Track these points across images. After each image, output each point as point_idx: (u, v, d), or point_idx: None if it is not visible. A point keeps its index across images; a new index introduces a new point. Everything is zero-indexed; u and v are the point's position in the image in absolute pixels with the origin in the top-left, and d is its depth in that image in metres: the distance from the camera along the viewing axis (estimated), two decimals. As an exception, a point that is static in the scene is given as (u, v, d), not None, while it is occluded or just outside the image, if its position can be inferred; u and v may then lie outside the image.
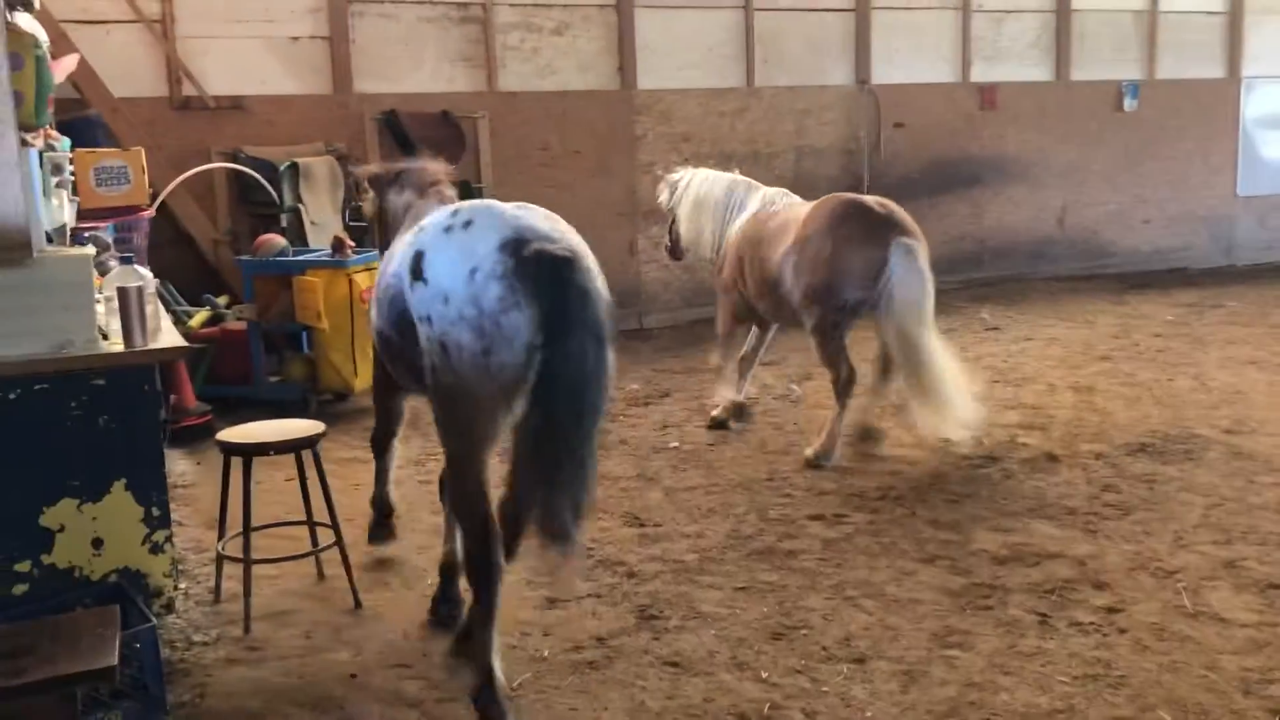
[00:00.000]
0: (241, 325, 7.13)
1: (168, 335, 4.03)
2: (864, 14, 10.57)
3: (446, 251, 3.29)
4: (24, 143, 3.71)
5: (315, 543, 4.51)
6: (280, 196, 7.75)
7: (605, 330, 3.23)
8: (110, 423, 3.62)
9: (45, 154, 4.49)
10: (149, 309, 3.81)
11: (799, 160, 10.36)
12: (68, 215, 4.96)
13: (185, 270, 7.65)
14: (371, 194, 4.53)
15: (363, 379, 6.77)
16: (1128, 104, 11.91)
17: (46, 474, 3.56)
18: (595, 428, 3.23)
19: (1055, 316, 9.84)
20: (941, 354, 5.52)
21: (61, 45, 6.90)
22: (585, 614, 4.16)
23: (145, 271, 4.12)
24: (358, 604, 4.25)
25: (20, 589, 3.55)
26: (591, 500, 3.26)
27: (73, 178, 5.41)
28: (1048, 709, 3.43)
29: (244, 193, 8.07)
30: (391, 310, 3.58)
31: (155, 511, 3.71)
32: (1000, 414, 6.72)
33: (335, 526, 4.29)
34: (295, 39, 8.45)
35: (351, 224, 7.83)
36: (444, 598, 4.14)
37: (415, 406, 4.48)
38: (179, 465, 5.94)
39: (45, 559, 3.57)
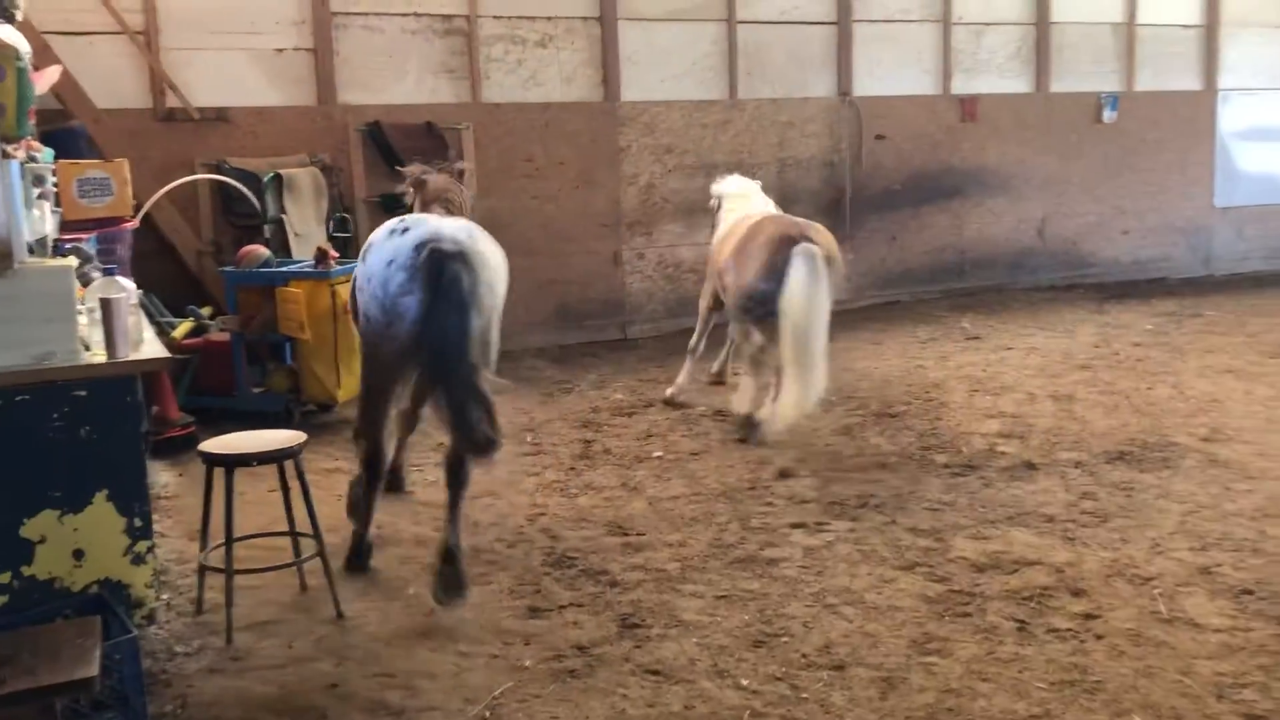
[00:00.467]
0: (225, 336, 7.12)
1: (150, 346, 4.05)
2: (846, 27, 10.64)
3: (383, 247, 4.39)
4: (4, 154, 3.72)
5: (298, 553, 4.52)
6: (264, 208, 7.75)
7: (468, 302, 4.13)
8: (92, 434, 3.63)
9: (27, 165, 4.49)
10: (131, 320, 3.83)
11: (781, 172, 10.41)
12: (50, 227, 4.95)
13: (169, 281, 7.63)
14: (411, 192, 5.48)
15: (346, 390, 6.77)
16: (1107, 115, 12.00)
17: (27, 485, 3.57)
18: (462, 374, 4.08)
19: (1035, 326, 9.91)
20: (822, 353, 6.15)
21: (45, 56, 6.89)
22: (567, 623, 4.18)
23: (128, 283, 4.13)
24: (340, 614, 4.26)
25: (0, 600, 3.54)
26: (488, 412, 4.07)
27: (55, 189, 5.40)
28: (1025, 715, 3.46)
29: (227, 204, 8.07)
30: None
31: (137, 522, 3.72)
32: (980, 423, 6.78)
33: (318, 537, 4.30)
34: (279, 51, 8.46)
35: (335, 235, 7.92)
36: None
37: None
38: (162, 476, 5.93)
39: (26, 570, 3.58)
